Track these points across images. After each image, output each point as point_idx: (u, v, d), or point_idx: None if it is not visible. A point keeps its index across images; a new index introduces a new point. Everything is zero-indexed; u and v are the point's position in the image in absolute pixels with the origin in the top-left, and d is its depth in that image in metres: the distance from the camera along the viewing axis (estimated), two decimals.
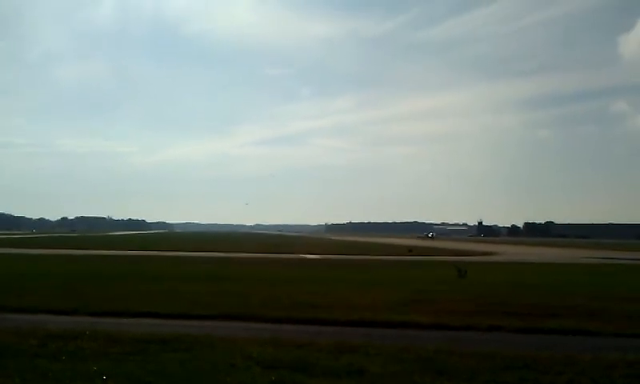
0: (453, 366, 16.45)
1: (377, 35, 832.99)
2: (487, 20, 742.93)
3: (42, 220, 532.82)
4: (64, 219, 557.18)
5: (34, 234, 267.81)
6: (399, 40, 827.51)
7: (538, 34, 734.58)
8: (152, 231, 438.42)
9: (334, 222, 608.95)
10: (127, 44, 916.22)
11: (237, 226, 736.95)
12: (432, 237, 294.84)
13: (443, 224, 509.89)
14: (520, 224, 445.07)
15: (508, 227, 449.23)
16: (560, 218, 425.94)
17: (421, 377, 15.40)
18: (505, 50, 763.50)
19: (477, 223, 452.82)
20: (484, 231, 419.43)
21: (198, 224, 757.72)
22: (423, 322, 25.48)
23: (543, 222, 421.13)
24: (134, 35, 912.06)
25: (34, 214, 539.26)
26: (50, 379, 14.69)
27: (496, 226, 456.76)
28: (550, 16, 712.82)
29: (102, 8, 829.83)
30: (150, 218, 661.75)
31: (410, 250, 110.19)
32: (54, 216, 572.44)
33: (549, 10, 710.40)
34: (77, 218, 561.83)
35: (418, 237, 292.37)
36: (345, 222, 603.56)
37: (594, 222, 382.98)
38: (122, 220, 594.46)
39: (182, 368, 15.98)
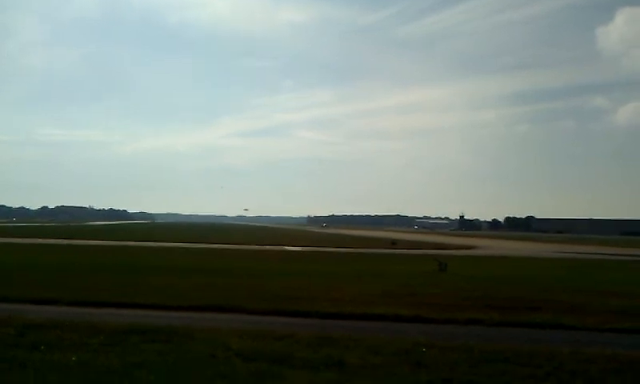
0: (432, 359, 16.50)
1: (359, 28, 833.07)
2: (469, 16, 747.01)
3: (22, 209, 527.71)
4: (44, 208, 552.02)
5: (14, 222, 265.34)
6: (382, 33, 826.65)
7: (519, 30, 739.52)
8: (133, 221, 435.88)
9: (317, 215, 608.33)
10: (110, 34, 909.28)
11: (219, 216, 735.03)
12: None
13: (425, 218, 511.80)
14: (501, 218, 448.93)
15: (489, 221, 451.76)
16: (540, 213, 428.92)
17: (400, 369, 15.45)
18: (486, 46, 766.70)
19: (458, 217, 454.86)
20: (465, 225, 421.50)
21: (179, 215, 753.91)
22: (404, 315, 25.57)
23: (524, 217, 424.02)
24: (116, 25, 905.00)
25: (14, 202, 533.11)
26: (29, 369, 14.52)
27: (477, 220, 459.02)
28: (531, 12, 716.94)
29: None
30: (131, 209, 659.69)
31: (394, 243, 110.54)
32: (34, 205, 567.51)
33: (530, 7, 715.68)
34: (57, 207, 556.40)
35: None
36: (327, 214, 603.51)
37: (574, 217, 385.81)
38: (104, 210, 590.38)
39: (162, 359, 15.89)
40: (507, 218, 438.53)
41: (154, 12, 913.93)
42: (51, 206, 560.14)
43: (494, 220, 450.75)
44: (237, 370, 14.89)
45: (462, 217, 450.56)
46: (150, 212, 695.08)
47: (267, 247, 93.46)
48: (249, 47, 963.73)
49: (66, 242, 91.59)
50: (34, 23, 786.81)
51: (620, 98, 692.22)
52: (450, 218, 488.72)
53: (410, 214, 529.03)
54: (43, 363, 15.06)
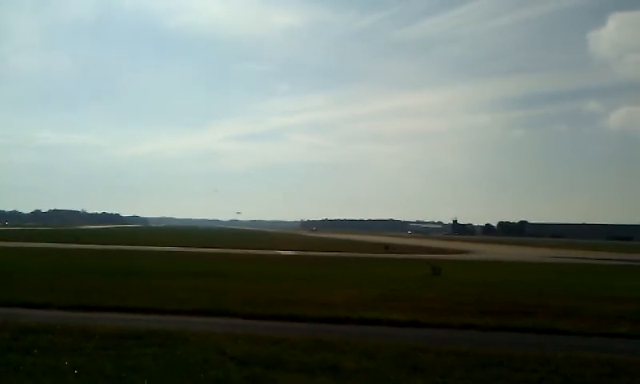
0: (427, 363, 16.49)
1: (354, 32, 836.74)
2: (464, 20, 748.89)
3: (14, 212, 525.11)
4: (37, 212, 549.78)
5: (6, 226, 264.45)
6: (377, 37, 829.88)
7: (513, 34, 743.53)
8: (126, 225, 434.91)
9: (310, 219, 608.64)
10: (106, 38, 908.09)
11: (212, 221, 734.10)
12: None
13: (418, 222, 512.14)
14: (494, 223, 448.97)
15: (482, 226, 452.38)
16: (533, 218, 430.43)
17: (395, 373, 15.43)
18: (481, 50, 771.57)
19: (452, 222, 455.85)
20: (459, 230, 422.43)
21: (172, 219, 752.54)
22: (398, 320, 25.52)
23: (517, 222, 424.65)
24: (111, 29, 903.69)
25: (6, 206, 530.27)
26: (22, 373, 14.45)
27: (470, 224, 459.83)
28: (525, 16, 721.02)
29: (79, 1, 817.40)
30: (124, 212, 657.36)
31: (387, 248, 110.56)
32: (26, 209, 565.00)
33: (524, 10, 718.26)
34: (50, 210, 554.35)
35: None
36: (321, 218, 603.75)
37: (568, 222, 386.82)
38: (96, 213, 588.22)
39: (156, 363, 15.82)
40: (500, 223, 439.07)
41: (150, 16, 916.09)
42: (44, 210, 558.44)
43: (487, 225, 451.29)
44: (231, 375, 14.84)
45: (455, 221, 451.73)
46: (142, 216, 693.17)
47: (261, 251, 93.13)
48: (244, 51, 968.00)
49: (58, 245, 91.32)
50: (29, 26, 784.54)
51: (613, 102, 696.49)
52: (444, 222, 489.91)
53: (403, 219, 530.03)
54: (36, 367, 14.98)
